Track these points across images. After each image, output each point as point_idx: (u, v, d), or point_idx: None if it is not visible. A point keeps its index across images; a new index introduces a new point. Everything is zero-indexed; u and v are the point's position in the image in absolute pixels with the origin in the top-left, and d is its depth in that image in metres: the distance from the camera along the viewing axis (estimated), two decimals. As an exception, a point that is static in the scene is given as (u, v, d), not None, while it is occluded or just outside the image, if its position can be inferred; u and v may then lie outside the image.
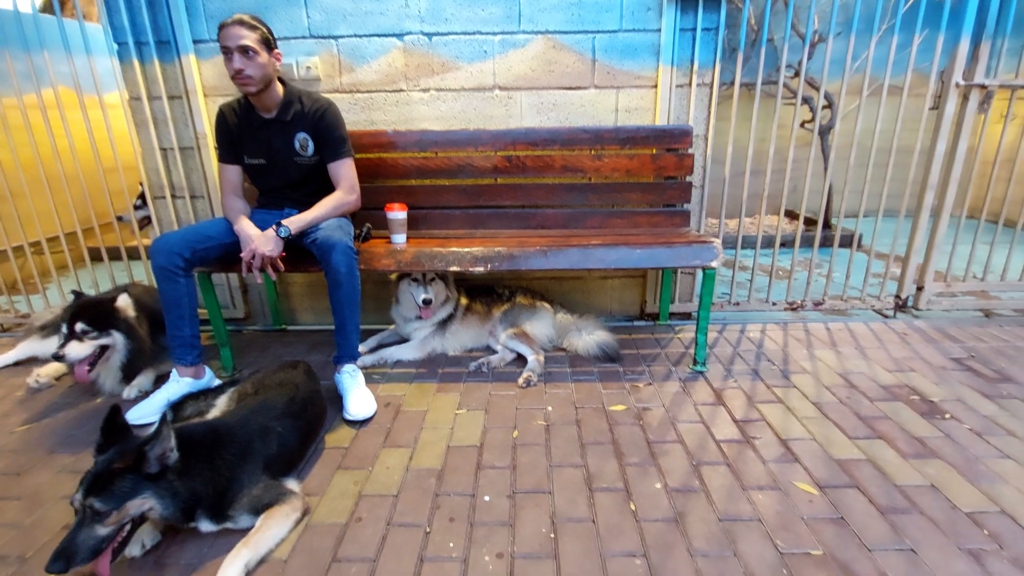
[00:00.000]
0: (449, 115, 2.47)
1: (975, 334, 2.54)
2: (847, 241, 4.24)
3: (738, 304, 2.80)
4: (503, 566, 1.24)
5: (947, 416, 1.85)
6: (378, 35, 2.35)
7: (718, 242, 2.08)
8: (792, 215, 5.45)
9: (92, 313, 1.94)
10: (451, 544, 1.31)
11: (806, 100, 4.48)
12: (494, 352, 2.35)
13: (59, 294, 2.87)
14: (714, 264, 2.05)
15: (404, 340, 2.43)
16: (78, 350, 1.89)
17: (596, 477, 1.55)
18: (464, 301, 2.47)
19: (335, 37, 2.36)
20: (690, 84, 2.41)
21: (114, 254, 3.08)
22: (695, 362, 2.23)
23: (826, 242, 3.59)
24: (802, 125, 4.91)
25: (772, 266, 2.85)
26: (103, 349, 1.98)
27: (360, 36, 2.36)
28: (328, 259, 1.84)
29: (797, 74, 4.42)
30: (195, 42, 2.37)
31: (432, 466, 1.62)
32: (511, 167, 2.42)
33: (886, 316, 2.84)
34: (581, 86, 2.43)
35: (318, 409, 1.78)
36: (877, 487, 1.50)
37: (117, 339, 1.99)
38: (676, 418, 1.86)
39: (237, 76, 1.83)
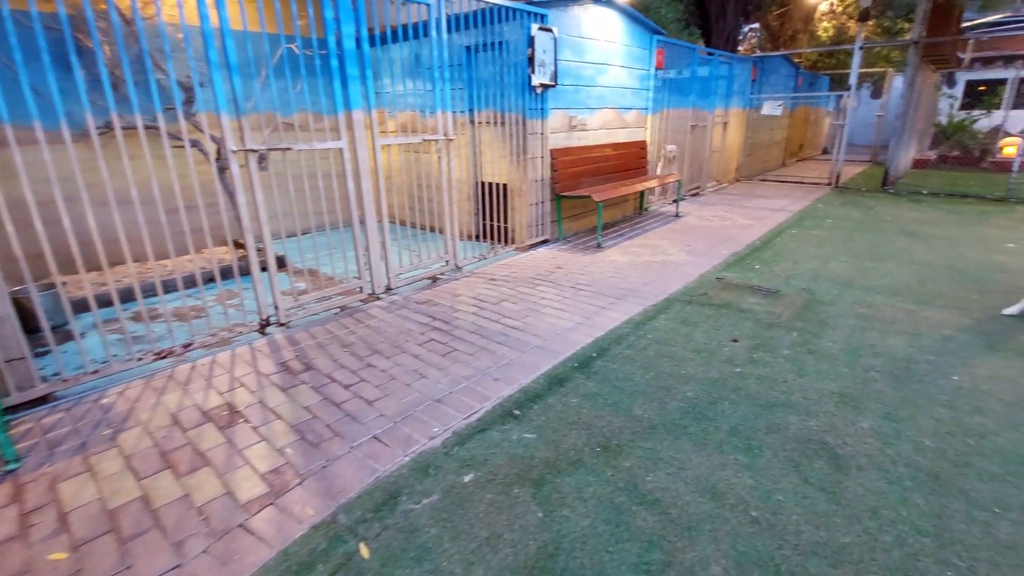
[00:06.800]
0: None
1: (312, 335, 3.37)
2: (277, 263, 4.85)
3: (96, 372, 2.79)
4: None
5: (241, 421, 2.40)
6: None
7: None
8: (239, 244, 5.80)
9: None
10: None
11: (194, 143, 4.77)
12: None
13: None
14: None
15: None
16: None
17: None
18: None
19: None
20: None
21: None
22: (6, 462, 2.12)
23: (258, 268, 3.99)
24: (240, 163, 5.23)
25: (118, 321, 2.96)
26: None
27: None
28: None
29: (189, 116, 4.65)
30: None
31: None
32: None
33: (265, 334, 3.41)
34: None
35: None
36: (177, 520, 1.81)
37: None
38: (-60, 546, 1.73)
39: None
